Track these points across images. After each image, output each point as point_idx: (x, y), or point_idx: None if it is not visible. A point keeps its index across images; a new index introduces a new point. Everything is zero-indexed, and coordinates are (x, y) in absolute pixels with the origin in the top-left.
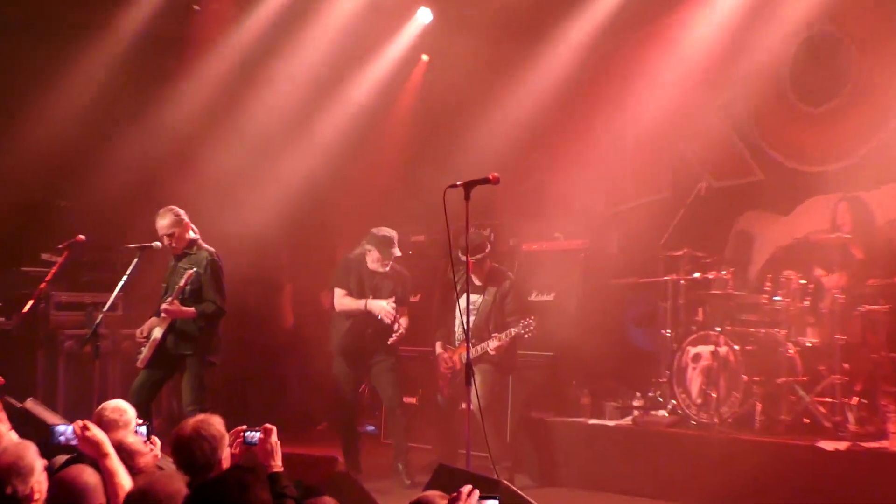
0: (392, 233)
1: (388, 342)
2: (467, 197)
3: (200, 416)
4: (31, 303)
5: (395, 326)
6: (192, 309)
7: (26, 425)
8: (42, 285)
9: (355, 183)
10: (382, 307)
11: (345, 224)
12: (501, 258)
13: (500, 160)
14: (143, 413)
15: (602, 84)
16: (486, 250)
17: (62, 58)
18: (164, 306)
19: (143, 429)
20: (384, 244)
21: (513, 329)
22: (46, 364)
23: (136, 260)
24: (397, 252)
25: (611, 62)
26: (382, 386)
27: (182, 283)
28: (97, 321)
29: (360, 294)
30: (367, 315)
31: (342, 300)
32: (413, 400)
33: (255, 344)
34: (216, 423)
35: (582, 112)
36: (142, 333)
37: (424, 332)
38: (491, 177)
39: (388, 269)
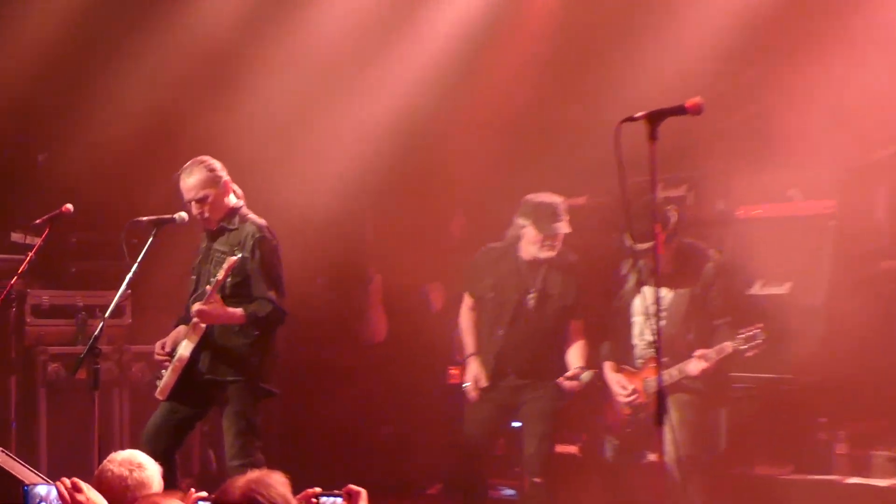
0: (555, 199)
1: (563, 380)
2: (653, 136)
3: (253, 475)
4: None
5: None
6: (238, 311)
7: None
8: (12, 281)
9: (472, 127)
10: None
11: (459, 186)
12: (703, 230)
13: (695, 86)
14: (164, 468)
15: None
16: (673, 220)
17: None
18: (194, 308)
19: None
20: (544, 216)
21: (728, 343)
22: (21, 396)
23: (150, 240)
24: (565, 227)
25: None
26: (531, 431)
27: (221, 273)
28: (95, 333)
29: (506, 306)
30: (520, 325)
31: (471, 314)
32: (573, 449)
33: (328, 364)
34: (277, 483)
35: (824, 5)
36: (163, 348)
37: (589, 345)
38: (687, 105)
39: (555, 253)
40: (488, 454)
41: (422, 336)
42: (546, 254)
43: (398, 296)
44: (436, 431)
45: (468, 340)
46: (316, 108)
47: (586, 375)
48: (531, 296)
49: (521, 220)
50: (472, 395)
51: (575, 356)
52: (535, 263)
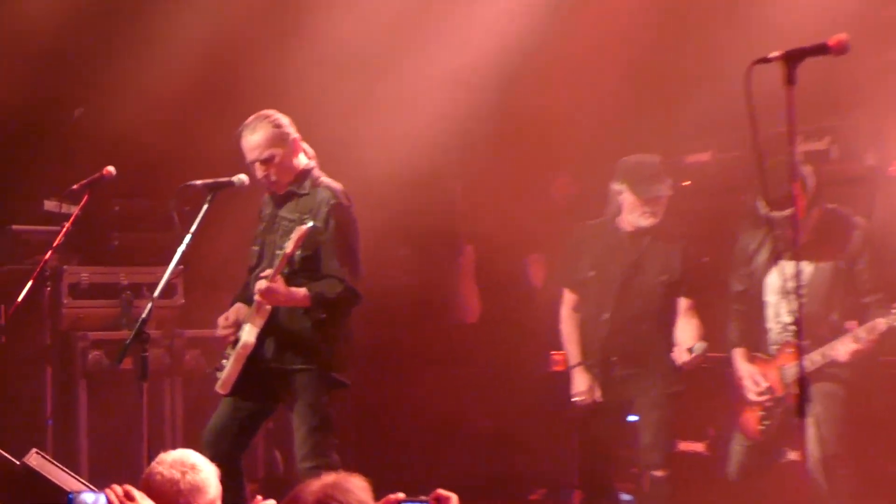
0: (654, 158)
1: (679, 364)
2: (790, 80)
3: (328, 478)
4: (29, 286)
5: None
6: (301, 291)
7: (27, 495)
8: (46, 256)
9: (579, 74)
10: None
11: (564, 143)
12: (849, 190)
13: (839, 21)
14: (227, 470)
15: None
16: (812, 185)
17: None
18: (258, 286)
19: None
20: (641, 177)
21: (881, 320)
22: (57, 390)
23: (205, 207)
24: (666, 189)
25: None
26: (646, 420)
27: (291, 244)
28: (142, 316)
29: (610, 286)
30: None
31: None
32: (700, 447)
33: (411, 350)
34: (356, 488)
35: None
36: (227, 319)
37: (712, 328)
38: (830, 42)
39: (657, 220)
40: (612, 456)
41: (520, 316)
42: (647, 221)
43: (493, 269)
44: (537, 427)
45: (572, 349)
46: (399, 53)
47: (699, 347)
48: (634, 272)
49: (617, 185)
50: (587, 410)
51: (685, 333)
52: (637, 234)
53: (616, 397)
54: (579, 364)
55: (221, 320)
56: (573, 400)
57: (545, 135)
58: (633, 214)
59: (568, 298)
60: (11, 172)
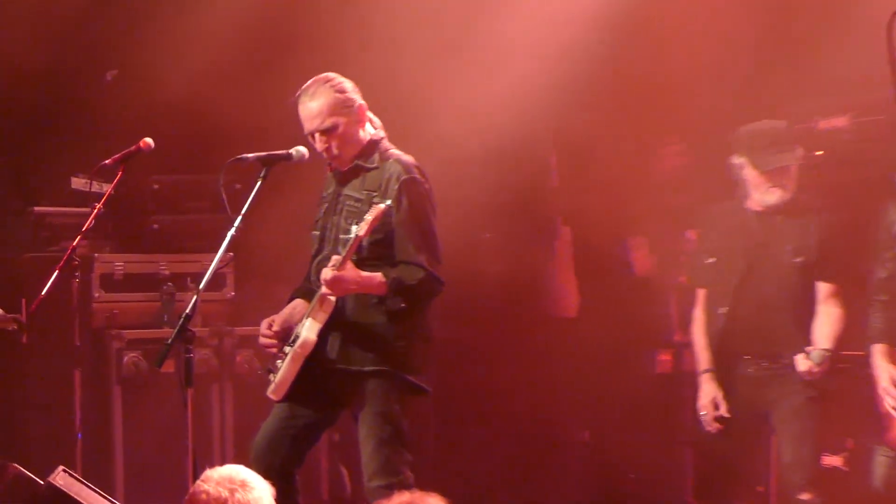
0: (776, 125)
1: (800, 371)
2: None
3: (402, 498)
4: (54, 277)
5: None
6: (377, 276)
7: None
8: (74, 242)
9: (695, 25)
10: None
11: (676, 107)
12: None
13: None
14: (281, 489)
15: None
16: None
17: None
18: (323, 275)
19: None
20: (762, 147)
21: None
22: (88, 397)
23: (258, 184)
24: (792, 159)
25: None
26: (786, 433)
27: (364, 227)
28: (186, 312)
29: (731, 274)
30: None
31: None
32: (837, 461)
33: (499, 349)
34: None
35: None
36: (271, 328)
37: (851, 321)
38: None
39: (787, 194)
40: (734, 471)
41: (622, 308)
42: (775, 197)
43: (594, 255)
44: (643, 437)
45: (701, 355)
46: (484, 3)
47: (816, 355)
48: (761, 255)
49: (737, 159)
50: (712, 426)
51: (822, 332)
52: (767, 214)
53: (743, 402)
54: (706, 371)
55: (264, 326)
56: (700, 415)
57: (655, 98)
58: (758, 191)
59: (701, 297)
60: (34, 146)
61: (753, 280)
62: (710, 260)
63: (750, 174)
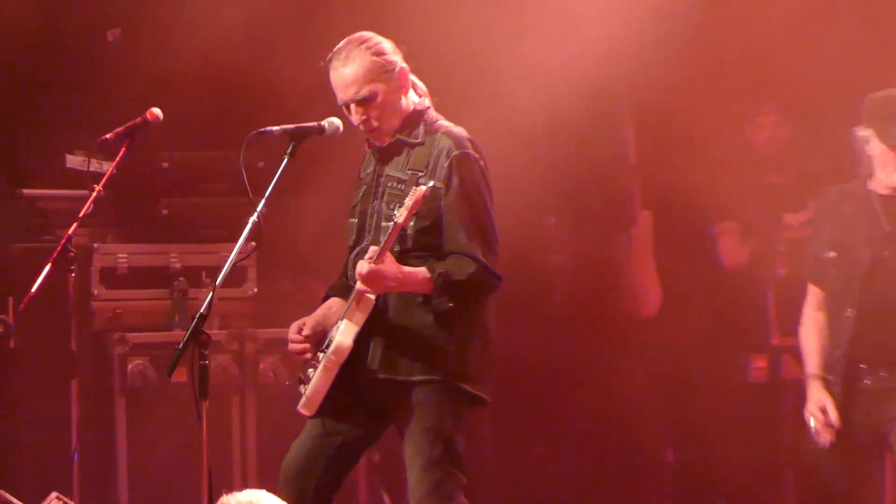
0: None
1: None
2: None
3: None
4: (46, 270)
5: None
6: (421, 272)
7: None
8: (70, 230)
9: None
10: None
11: (772, 71)
12: None
13: None
14: None
15: None
16: None
17: None
18: (358, 269)
19: None
20: (891, 117)
21: None
22: (87, 410)
23: (284, 162)
24: None
25: None
26: None
27: (404, 213)
28: (201, 311)
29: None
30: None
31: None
32: None
33: (569, 354)
34: None
35: None
36: (300, 330)
37: None
38: None
39: None
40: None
41: (710, 306)
42: None
43: (678, 243)
44: (734, 458)
45: (809, 359)
46: None
47: None
48: (887, 247)
49: (862, 131)
50: (823, 438)
51: None
52: (894, 198)
53: (860, 419)
54: (816, 375)
55: (293, 329)
56: (810, 426)
57: (747, 59)
58: (885, 170)
59: (812, 294)
60: (24, 118)
61: (881, 277)
62: (831, 254)
63: (876, 150)
